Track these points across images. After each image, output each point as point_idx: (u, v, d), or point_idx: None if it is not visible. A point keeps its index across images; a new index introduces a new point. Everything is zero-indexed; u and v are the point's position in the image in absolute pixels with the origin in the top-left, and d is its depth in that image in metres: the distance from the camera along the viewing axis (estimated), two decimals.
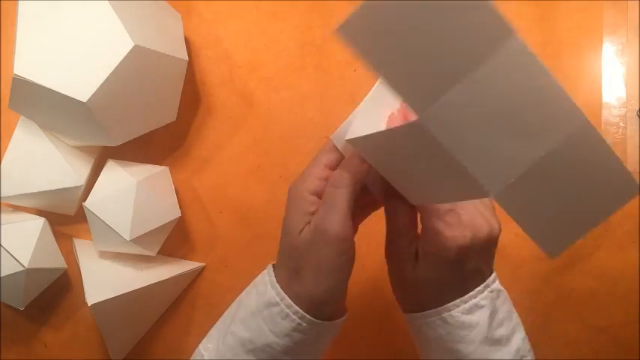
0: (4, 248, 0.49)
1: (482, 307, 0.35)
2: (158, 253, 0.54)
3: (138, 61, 0.46)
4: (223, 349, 0.36)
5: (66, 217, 0.56)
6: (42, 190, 0.51)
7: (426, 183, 0.32)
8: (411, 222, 0.37)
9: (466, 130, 0.27)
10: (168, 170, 0.55)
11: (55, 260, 0.54)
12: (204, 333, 0.57)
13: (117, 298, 0.49)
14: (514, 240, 0.52)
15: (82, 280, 0.51)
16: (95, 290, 0.50)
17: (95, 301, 0.48)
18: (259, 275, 0.38)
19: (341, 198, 0.33)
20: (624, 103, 0.52)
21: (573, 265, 0.53)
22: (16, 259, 0.49)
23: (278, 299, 0.34)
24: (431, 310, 0.35)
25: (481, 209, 0.35)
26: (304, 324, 0.34)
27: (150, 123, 0.52)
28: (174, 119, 0.54)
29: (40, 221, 0.53)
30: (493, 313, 0.35)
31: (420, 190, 0.33)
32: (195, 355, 0.38)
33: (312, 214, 0.34)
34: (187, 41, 0.55)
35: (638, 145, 0.52)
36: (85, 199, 0.50)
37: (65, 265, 0.55)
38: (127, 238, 0.49)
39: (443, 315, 0.35)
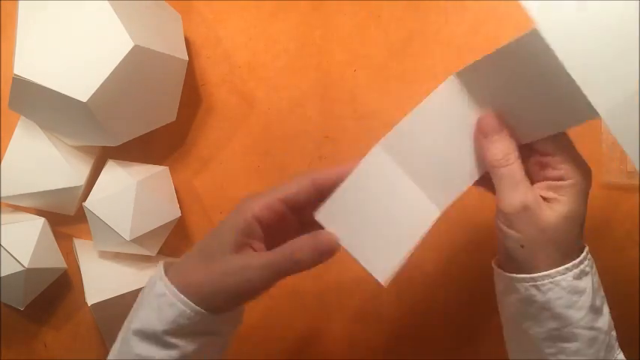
0: (4, 248, 0.49)
1: (587, 273, 0.36)
2: (158, 253, 0.54)
3: (138, 61, 0.46)
4: (124, 344, 0.37)
5: (66, 217, 0.56)
6: (42, 190, 0.51)
7: (537, 110, 0.35)
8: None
9: (580, 46, 0.32)
10: (168, 170, 0.55)
11: (55, 260, 0.54)
12: None
13: (117, 298, 0.49)
14: None
15: (82, 280, 0.52)
16: (95, 290, 0.50)
17: (95, 301, 0.48)
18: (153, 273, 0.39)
19: (281, 269, 0.35)
20: None
21: None
22: (16, 259, 0.49)
23: (165, 290, 0.35)
24: (542, 273, 0.35)
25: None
26: (188, 311, 0.35)
27: (150, 123, 0.52)
28: (174, 119, 0.54)
29: (40, 221, 0.53)
30: (594, 281, 0.36)
31: (530, 121, 0.36)
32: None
33: (248, 237, 0.36)
34: (187, 41, 0.55)
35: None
36: (85, 199, 0.50)
37: (65, 265, 0.55)
38: (127, 238, 0.49)
39: (556, 278, 0.35)
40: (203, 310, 0.35)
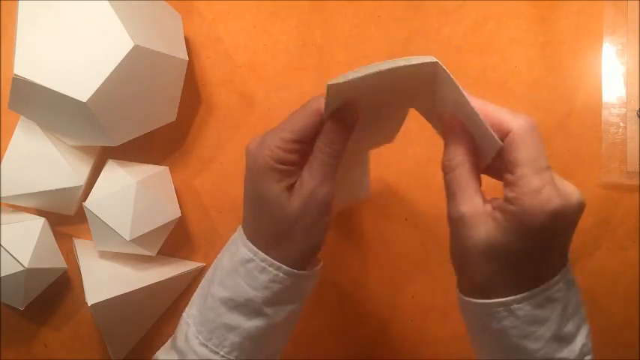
0: (4, 248, 0.49)
1: (555, 300, 0.31)
2: (158, 253, 0.54)
3: (138, 61, 0.46)
4: (206, 312, 0.37)
5: (66, 217, 0.56)
6: (42, 190, 0.51)
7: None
8: (478, 168, 0.33)
9: None
10: (168, 170, 0.55)
11: (55, 260, 0.54)
12: None
13: (117, 298, 0.49)
14: None
15: (82, 280, 0.52)
16: (95, 290, 0.50)
17: (95, 301, 0.48)
18: (230, 239, 0.39)
19: (332, 170, 0.35)
20: (624, 103, 0.52)
21: (573, 265, 0.53)
22: (16, 259, 0.49)
23: (252, 255, 0.36)
24: (497, 300, 0.31)
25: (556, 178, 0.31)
26: (281, 274, 0.35)
27: (150, 123, 0.52)
28: (174, 119, 0.54)
29: (40, 221, 0.53)
30: (565, 307, 0.32)
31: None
32: (180, 325, 0.39)
33: (287, 177, 0.35)
34: (187, 41, 0.55)
35: (638, 145, 0.52)
36: (85, 199, 0.50)
37: (65, 265, 0.55)
38: (127, 238, 0.49)
39: (512, 307, 0.31)
40: (295, 270, 0.35)
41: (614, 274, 0.51)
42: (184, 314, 0.39)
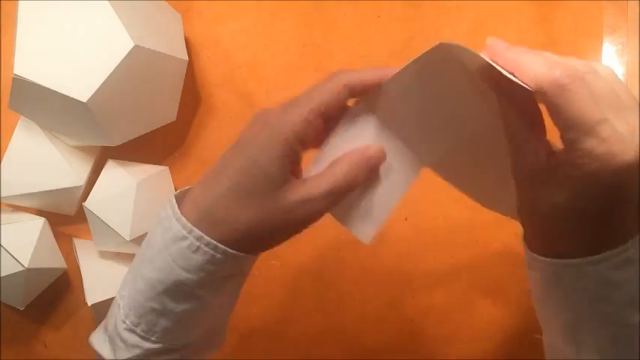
0: (4, 248, 0.49)
1: (633, 262, 0.28)
2: None
3: (138, 61, 0.46)
4: (135, 294, 0.33)
5: (66, 217, 0.56)
6: (42, 190, 0.51)
7: None
8: (542, 121, 0.30)
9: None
10: (168, 170, 0.55)
11: (55, 260, 0.54)
12: None
13: None
14: (514, 240, 0.52)
15: (82, 280, 0.52)
16: (95, 290, 0.50)
17: (95, 301, 0.48)
18: (162, 210, 0.34)
19: (345, 189, 0.32)
20: None
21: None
22: (16, 259, 0.49)
23: (185, 232, 0.31)
24: (572, 260, 0.29)
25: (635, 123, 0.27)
26: (218, 255, 0.31)
27: (150, 123, 0.52)
28: (174, 119, 0.54)
29: (40, 221, 0.53)
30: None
31: None
32: (112, 306, 0.35)
33: (293, 163, 0.31)
34: (187, 41, 0.55)
35: None
36: (85, 199, 0.50)
37: (65, 265, 0.55)
38: (127, 238, 0.49)
39: (586, 268, 0.29)
40: (238, 253, 0.31)
41: None
42: (117, 294, 0.35)
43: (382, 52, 0.55)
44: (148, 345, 0.33)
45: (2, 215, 0.52)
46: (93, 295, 0.49)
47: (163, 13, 0.52)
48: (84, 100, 0.44)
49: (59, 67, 0.45)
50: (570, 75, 0.26)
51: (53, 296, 0.56)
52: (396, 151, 0.36)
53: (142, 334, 0.33)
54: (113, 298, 0.48)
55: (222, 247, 0.31)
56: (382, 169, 0.36)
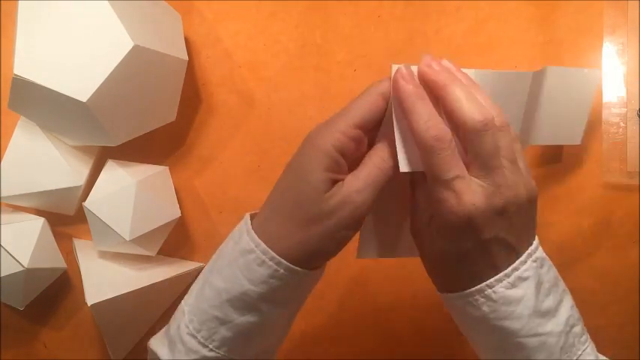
0: (4, 248, 0.49)
1: (526, 278, 0.33)
2: (158, 253, 0.54)
3: (138, 61, 0.46)
4: (201, 301, 0.35)
5: (66, 217, 0.56)
6: (42, 190, 0.51)
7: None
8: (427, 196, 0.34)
9: None
10: (168, 170, 0.55)
11: (55, 260, 0.54)
12: None
13: (117, 298, 0.49)
14: None
15: (81, 280, 0.51)
16: (95, 290, 0.50)
17: (95, 301, 0.48)
18: (237, 226, 0.37)
19: (379, 180, 0.34)
20: (625, 102, 0.52)
21: (573, 265, 0.53)
22: (15, 259, 0.49)
23: (253, 246, 0.34)
24: (472, 289, 0.33)
25: (508, 172, 0.32)
26: (281, 270, 0.33)
27: (150, 123, 0.52)
28: (174, 119, 0.54)
29: (40, 221, 0.53)
30: (539, 284, 0.33)
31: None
32: (176, 313, 0.37)
33: (335, 172, 0.34)
34: (187, 41, 0.55)
35: (638, 145, 0.52)
36: (84, 199, 0.50)
37: (65, 265, 0.55)
38: (127, 238, 0.49)
39: (486, 292, 0.33)
40: (298, 268, 0.33)
41: (614, 274, 0.51)
42: (182, 301, 0.37)
43: (382, 52, 0.55)
44: (205, 352, 0.35)
45: (2, 215, 0.52)
46: (93, 295, 0.49)
47: (163, 13, 0.52)
48: (84, 99, 0.44)
49: (59, 67, 0.45)
50: (439, 139, 0.32)
51: (53, 296, 0.56)
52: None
53: (202, 340, 0.35)
54: (113, 298, 0.49)
55: (285, 262, 0.33)
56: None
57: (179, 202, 0.54)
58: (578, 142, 0.50)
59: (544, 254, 0.34)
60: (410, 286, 0.54)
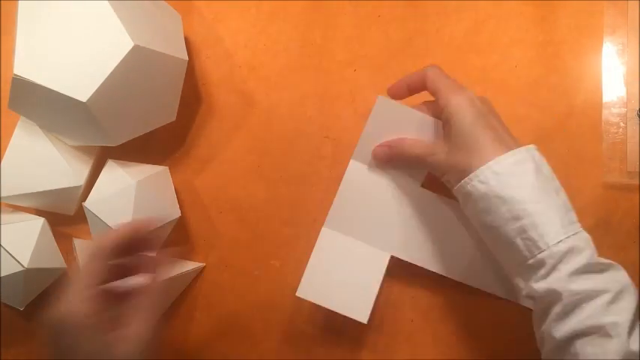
0: (4, 248, 0.49)
1: (527, 161, 0.40)
2: (158, 253, 0.54)
3: (138, 61, 0.46)
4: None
5: (66, 217, 0.56)
6: (42, 190, 0.51)
7: None
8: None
9: None
10: (168, 170, 0.55)
11: (55, 260, 0.54)
12: (204, 333, 0.58)
13: None
14: None
15: None
16: None
17: None
18: None
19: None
20: (624, 102, 0.52)
21: None
22: (15, 259, 0.49)
23: None
24: (482, 167, 0.39)
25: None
26: None
27: (150, 123, 0.52)
28: (174, 119, 0.54)
29: (40, 221, 0.53)
30: (538, 169, 0.39)
31: None
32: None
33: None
34: (187, 41, 0.55)
35: (638, 145, 0.52)
36: (84, 199, 0.50)
37: (65, 265, 0.55)
38: None
39: (494, 168, 0.39)
40: None
41: None
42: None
43: (382, 52, 0.55)
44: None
45: (2, 215, 0.52)
46: None
47: (163, 13, 0.52)
48: (84, 99, 0.44)
49: (59, 67, 0.45)
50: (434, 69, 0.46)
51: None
52: (364, 248, 0.50)
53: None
54: None
55: None
56: (358, 265, 0.50)
57: (179, 202, 0.54)
58: None
59: (541, 155, 0.41)
60: (410, 286, 0.54)
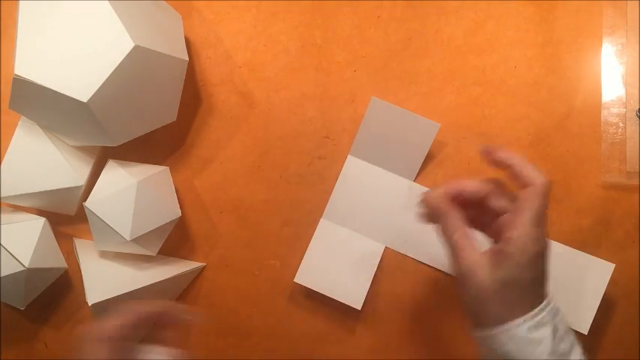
0: (5, 248, 0.49)
1: (545, 324, 0.38)
2: (158, 252, 0.54)
3: (138, 62, 0.46)
4: None
5: (66, 217, 0.56)
6: (42, 190, 0.51)
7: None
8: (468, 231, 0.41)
9: None
10: (168, 170, 0.55)
11: (56, 260, 0.54)
12: (204, 333, 0.58)
13: (117, 298, 0.49)
14: None
15: (82, 280, 0.52)
16: (96, 290, 0.50)
17: (96, 301, 0.48)
18: None
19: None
20: (624, 102, 0.52)
21: None
22: (16, 259, 0.49)
23: None
24: (499, 328, 0.38)
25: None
26: None
27: (150, 123, 0.52)
28: (174, 119, 0.54)
29: (41, 221, 0.53)
30: (555, 330, 0.38)
31: None
32: None
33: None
34: (188, 41, 0.56)
35: (637, 145, 0.52)
36: (85, 199, 0.50)
37: (65, 265, 0.55)
38: (128, 238, 0.49)
39: (512, 332, 0.37)
40: None
41: (614, 274, 0.51)
42: None
43: (382, 52, 0.55)
44: None
45: (2, 215, 0.53)
46: (93, 294, 0.49)
47: (163, 13, 0.52)
48: (84, 100, 0.44)
49: (59, 68, 0.45)
50: (549, 184, 0.39)
51: (54, 296, 0.57)
52: (359, 240, 0.53)
53: None
54: (114, 298, 0.49)
55: None
56: (354, 254, 0.52)
57: (179, 202, 0.55)
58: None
59: (557, 305, 0.39)
60: (410, 286, 0.54)
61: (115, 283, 0.51)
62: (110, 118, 0.47)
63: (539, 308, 0.38)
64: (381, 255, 0.53)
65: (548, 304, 0.39)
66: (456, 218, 0.41)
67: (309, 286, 0.52)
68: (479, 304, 0.39)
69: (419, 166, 0.53)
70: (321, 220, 0.53)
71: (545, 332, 0.37)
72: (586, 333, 0.50)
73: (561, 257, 0.51)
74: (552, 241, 0.50)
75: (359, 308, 0.52)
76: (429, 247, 0.53)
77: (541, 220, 0.38)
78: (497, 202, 0.41)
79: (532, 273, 0.38)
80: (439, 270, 0.53)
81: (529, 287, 0.38)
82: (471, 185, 0.41)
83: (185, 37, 0.54)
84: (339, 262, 0.53)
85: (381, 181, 0.53)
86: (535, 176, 0.39)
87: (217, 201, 0.56)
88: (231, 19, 0.56)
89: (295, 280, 0.52)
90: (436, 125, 0.51)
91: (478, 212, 0.42)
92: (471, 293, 0.39)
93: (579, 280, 0.51)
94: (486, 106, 0.54)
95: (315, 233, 0.53)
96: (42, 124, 0.52)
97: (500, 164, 0.41)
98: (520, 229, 0.38)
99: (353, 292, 0.52)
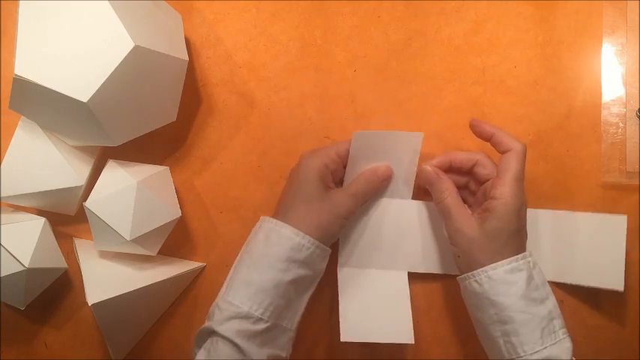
0: (5, 248, 0.49)
1: (521, 270, 0.44)
2: (158, 253, 0.54)
3: (138, 62, 0.46)
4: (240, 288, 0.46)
5: (66, 217, 0.56)
6: (42, 190, 0.51)
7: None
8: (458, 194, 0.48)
9: None
10: (168, 170, 0.55)
11: (56, 260, 0.54)
12: None
13: (117, 298, 0.49)
14: None
15: (82, 280, 0.52)
16: (96, 290, 0.50)
17: (96, 301, 0.48)
18: (259, 231, 0.48)
19: (366, 190, 0.50)
20: (624, 102, 0.52)
21: None
22: (16, 259, 0.49)
23: (293, 235, 0.45)
24: (479, 270, 0.44)
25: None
26: (314, 247, 0.46)
27: (150, 123, 0.52)
28: (174, 119, 0.54)
29: (41, 221, 0.53)
30: (529, 278, 0.44)
31: None
32: (215, 315, 0.46)
33: (325, 182, 0.48)
34: (188, 41, 0.56)
35: (637, 144, 0.52)
36: (85, 199, 0.50)
37: (66, 265, 0.55)
38: (128, 238, 0.49)
39: (489, 272, 0.44)
40: (325, 246, 0.47)
41: None
42: (221, 304, 0.46)
43: (382, 52, 0.55)
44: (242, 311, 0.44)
45: (2, 215, 0.53)
46: (93, 294, 0.49)
47: (163, 13, 0.52)
48: (84, 100, 0.44)
49: (59, 68, 0.45)
50: (525, 148, 0.47)
51: (54, 296, 0.57)
52: (385, 275, 0.53)
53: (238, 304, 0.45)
54: (114, 298, 0.49)
55: (310, 237, 0.45)
56: (384, 294, 0.52)
57: (179, 202, 0.54)
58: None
59: (535, 260, 0.45)
60: (410, 286, 0.54)
61: (115, 283, 0.51)
62: (110, 118, 0.47)
63: (517, 257, 0.44)
64: (407, 282, 0.52)
65: (527, 256, 0.45)
66: (446, 182, 0.48)
67: (358, 341, 0.49)
68: (469, 255, 0.45)
69: (413, 180, 0.52)
70: (338, 268, 0.52)
71: (521, 277, 0.43)
72: (622, 289, 0.50)
73: (574, 224, 0.52)
74: (564, 211, 0.52)
75: (412, 342, 0.49)
76: (447, 258, 0.52)
77: (520, 179, 0.45)
78: (483, 170, 0.48)
79: (513, 225, 0.44)
80: (447, 277, 0.53)
81: (510, 238, 0.44)
82: (460, 156, 0.49)
83: (185, 37, 0.54)
84: (374, 305, 0.51)
85: (381, 209, 0.52)
86: (513, 142, 0.46)
87: (217, 201, 0.56)
88: (231, 19, 0.56)
89: (342, 339, 0.48)
90: (419, 135, 0.49)
91: (467, 181, 0.50)
92: (462, 247, 0.46)
93: (598, 241, 0.51)
94: (486, 106, 0.54)
95: (339, 285, 0.51)
96: (42, 124, 0.52)
97: (485, 134, 0.48)
98: (502, 187, 0.45)
99: (400, 328, 0.50)
